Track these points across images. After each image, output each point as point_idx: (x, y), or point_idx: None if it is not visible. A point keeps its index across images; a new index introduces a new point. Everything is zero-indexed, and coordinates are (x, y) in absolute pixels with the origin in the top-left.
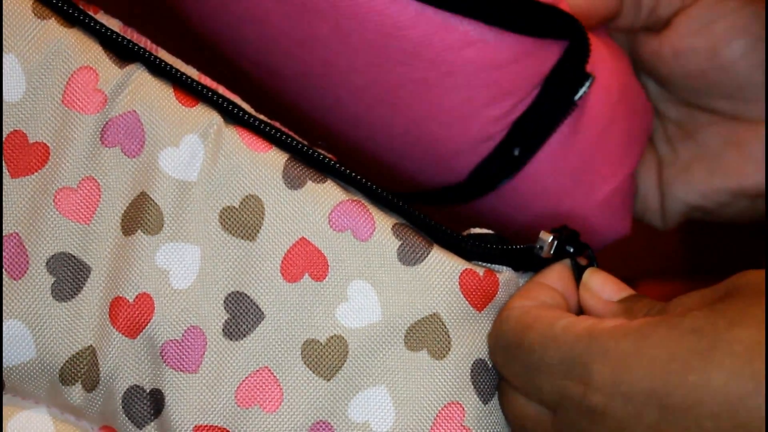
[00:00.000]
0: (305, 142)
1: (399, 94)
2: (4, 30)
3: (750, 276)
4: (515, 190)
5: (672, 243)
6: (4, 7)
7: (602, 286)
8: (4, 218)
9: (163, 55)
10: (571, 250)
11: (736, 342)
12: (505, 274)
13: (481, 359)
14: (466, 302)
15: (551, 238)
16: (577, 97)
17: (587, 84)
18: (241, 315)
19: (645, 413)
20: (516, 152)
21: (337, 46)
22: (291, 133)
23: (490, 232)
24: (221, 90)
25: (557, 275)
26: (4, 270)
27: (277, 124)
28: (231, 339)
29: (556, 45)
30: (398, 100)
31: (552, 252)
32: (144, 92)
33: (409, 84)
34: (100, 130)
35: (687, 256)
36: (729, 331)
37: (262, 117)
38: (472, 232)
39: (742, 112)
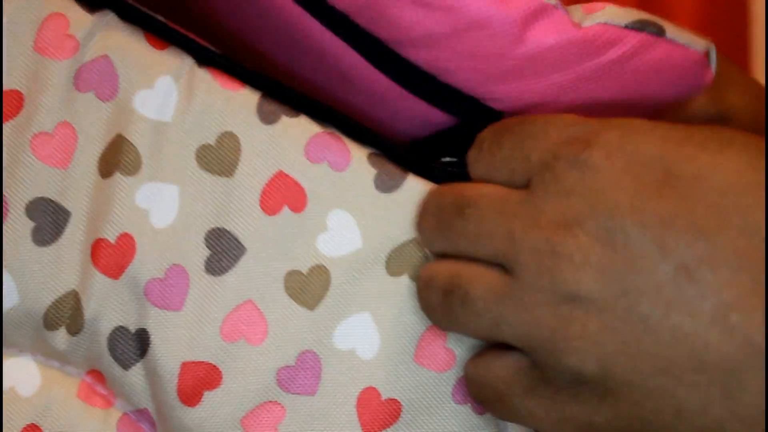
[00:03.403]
0: (278, 80)
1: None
2: None
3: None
4: None
5: None
6: None
7: None
8: None
9: (132, 1)
10: None
11: (755, 145)
12: None
13: None
14: None
15: None
16: None
17: None
18: (223, 250)
19: (645, 175)
20: None
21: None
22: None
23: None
24: (192, 36)
25: None
26: None
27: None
28: (213, 274)
29: None
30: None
31: None
32: (115, 37)
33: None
34: (73, 75)
35: None
36: (747, 138)
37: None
38: (444, 160)
39: None
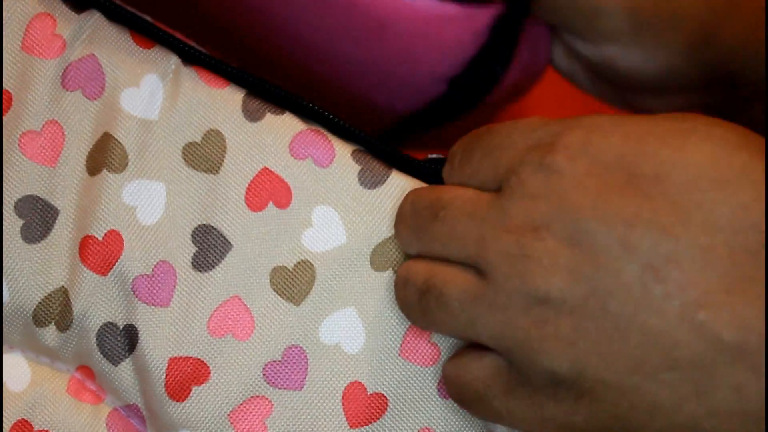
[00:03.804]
0: (263, 78)
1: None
2: None
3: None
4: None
5: None
6: None
7: None
8: None
9: (118, 1)
10: None
11: (718, 135)
12: None
13: None
14: None
15: None
16: None
17: None
18: (209, 247)
19: (607, 176)
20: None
21: None
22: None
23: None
24: (177, 35)
25: None
26: None
27: (234, 64)
28: (200, 271)
29: None
30: (350, 46)
31: None
32: (101, 36)
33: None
34: (60, 74)
35: None
36: (710, 127)
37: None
38: (429, 157)
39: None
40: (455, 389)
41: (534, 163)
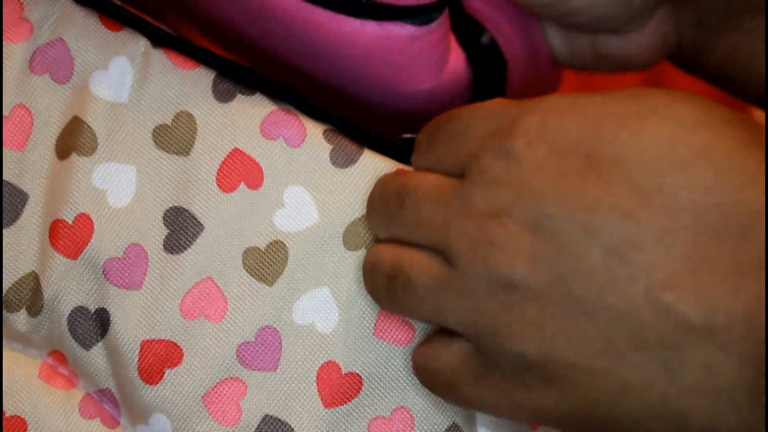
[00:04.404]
0: (232, 59)
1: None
2: None
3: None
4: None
5: None
6: None
7: None
8: None
9: None
10: None
11: (678, 113)
12: None
13: None
14: None
15: None
16: None
17: None
18: (181, 229)
19: (566, 161)
20: (485, 39)
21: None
22: (219, 52)
23: None
24: (146, 18)
25: None
26: None
27: (205, 46)
28: (172, 253)
29: None
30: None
31: None
32: (70, 20)
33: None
34: (28, 58)
35: None
36: (670, 104)
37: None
38: (403, 137)
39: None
40: (425, 377)
41: (494, 149)
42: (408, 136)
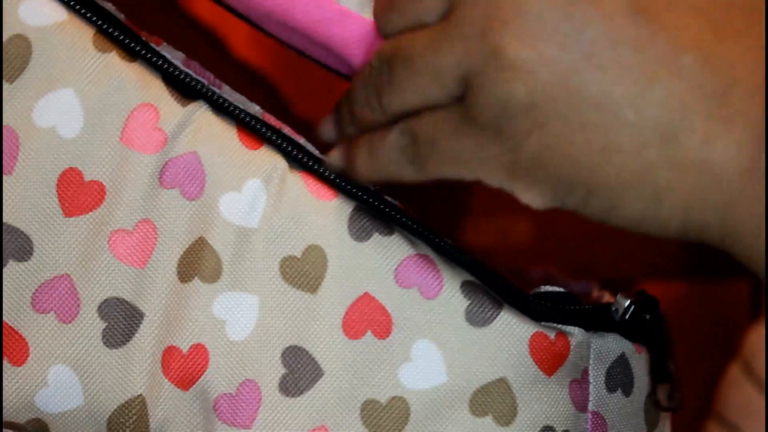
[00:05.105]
0: (373, 191)
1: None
2: (65, 63)
3: None
4: None
5: (672, 243)
6: (65, 39)
7: None
8: (58, 259)
9: (227, 90)
10: (647, 317)
11: None
12: (576, 336)
13: (548, 426)
14: (536, 367)
15: (628, 302)
16: None
17: None
18: (299, 370)
19: None
20: None
21: None
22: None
23: (561, 290)
24: (286, 130)
25: None
26: (55, 314)
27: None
28: (287, 395)
29: None
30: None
31: (627, 317)
32: (206, 132)
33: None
34: (159, 170)
35: (687, 256)
36: None
37: None
38: (542, 290)
39: None
40: (409, 140)
41: None
42: (546, 289)
